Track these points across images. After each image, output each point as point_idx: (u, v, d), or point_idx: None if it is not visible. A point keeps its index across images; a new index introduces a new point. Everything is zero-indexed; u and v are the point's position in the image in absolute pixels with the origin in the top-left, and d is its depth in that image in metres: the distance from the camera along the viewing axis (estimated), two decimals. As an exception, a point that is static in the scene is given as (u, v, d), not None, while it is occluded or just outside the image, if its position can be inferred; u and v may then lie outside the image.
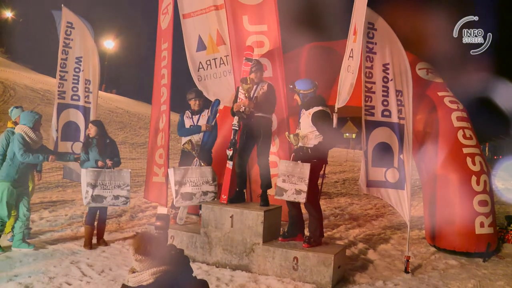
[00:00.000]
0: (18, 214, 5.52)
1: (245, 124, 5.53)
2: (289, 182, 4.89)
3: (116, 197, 5.59)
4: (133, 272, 2.47)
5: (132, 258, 2.41)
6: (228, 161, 5.59)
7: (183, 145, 5.96)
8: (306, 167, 4.85)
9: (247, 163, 5.80)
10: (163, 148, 6.54)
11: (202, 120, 6.07)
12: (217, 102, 6.30)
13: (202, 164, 5.77)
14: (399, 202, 5.52)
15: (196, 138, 5.99)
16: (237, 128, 5.54)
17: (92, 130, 5.78)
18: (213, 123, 6.18)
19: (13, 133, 5.79)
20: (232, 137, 5.57)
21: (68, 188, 10.09)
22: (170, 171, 5.60)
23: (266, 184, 5.53)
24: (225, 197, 5.51)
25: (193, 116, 6.15)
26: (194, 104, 6.16)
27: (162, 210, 5.75)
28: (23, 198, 5.55)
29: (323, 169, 5.39)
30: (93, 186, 5.49)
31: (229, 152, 5.55)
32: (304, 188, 4.82)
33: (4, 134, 5.86)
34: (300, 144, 5.03)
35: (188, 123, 6.15)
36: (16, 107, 6.11)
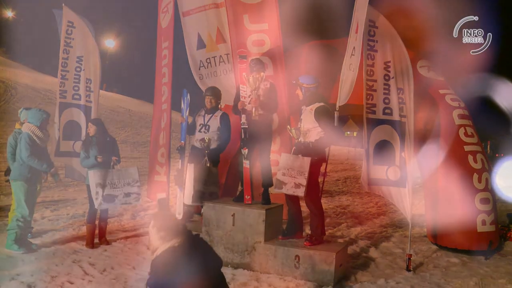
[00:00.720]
0: None
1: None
2: (289, 175, 4.88)
3: (128, 195, 5.55)
4: (155, 250, 2.67)
5: (156, 237, 2.64)
6: (244, 161, 5.44)
7: (199, 140, 5.83)
8: (307, 161, 4.84)
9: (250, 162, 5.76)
10: (164, 147, 6.55)
11: (214, 120, 5.91)
12: (185, 92, 6.11)
13: (208, 164, 5.73)
14: (400, 200, 5.52)
15: (209, 136, 5.83)
16: (247, 126, 5.40)
17: (92, 129, 5.76)
18: (187, 114, 5.97)
19: (20, 134, 5.81)
20: (243, 136, 5.43)
21: (70, 187, 10.10)
22: (190, 167, 5.50)
23: (268, 182, 5.51)
24: (248, 197, 5.39)
25: (205, 115, 5.97)
26: (208, 101, 5.95)
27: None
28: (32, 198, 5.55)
29: (324, 167, 5.38)
30: (103, 186, 5.41)
31: (244, 151, 5.42)
32: (303, 182, 4.80)
33: (12, 135, 5.88)
34: (301, 139, 5.03)
35: (199, 121, 5.98)
36: (26, 109, 6.10)
